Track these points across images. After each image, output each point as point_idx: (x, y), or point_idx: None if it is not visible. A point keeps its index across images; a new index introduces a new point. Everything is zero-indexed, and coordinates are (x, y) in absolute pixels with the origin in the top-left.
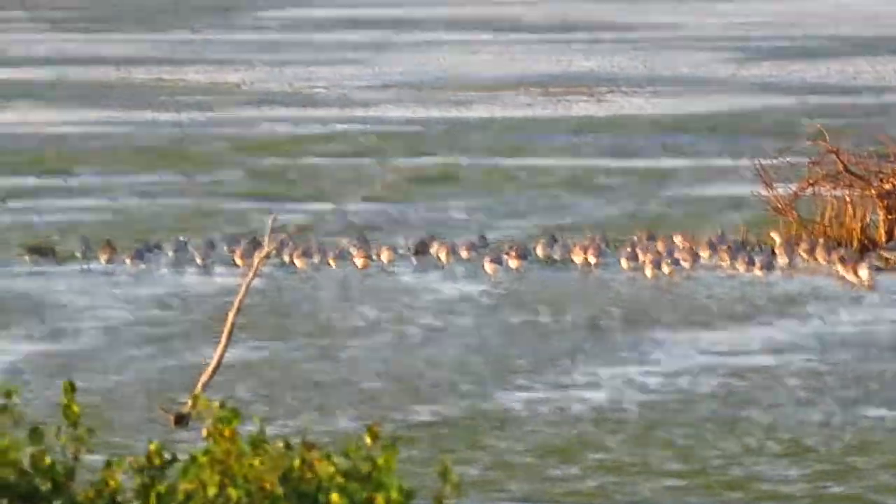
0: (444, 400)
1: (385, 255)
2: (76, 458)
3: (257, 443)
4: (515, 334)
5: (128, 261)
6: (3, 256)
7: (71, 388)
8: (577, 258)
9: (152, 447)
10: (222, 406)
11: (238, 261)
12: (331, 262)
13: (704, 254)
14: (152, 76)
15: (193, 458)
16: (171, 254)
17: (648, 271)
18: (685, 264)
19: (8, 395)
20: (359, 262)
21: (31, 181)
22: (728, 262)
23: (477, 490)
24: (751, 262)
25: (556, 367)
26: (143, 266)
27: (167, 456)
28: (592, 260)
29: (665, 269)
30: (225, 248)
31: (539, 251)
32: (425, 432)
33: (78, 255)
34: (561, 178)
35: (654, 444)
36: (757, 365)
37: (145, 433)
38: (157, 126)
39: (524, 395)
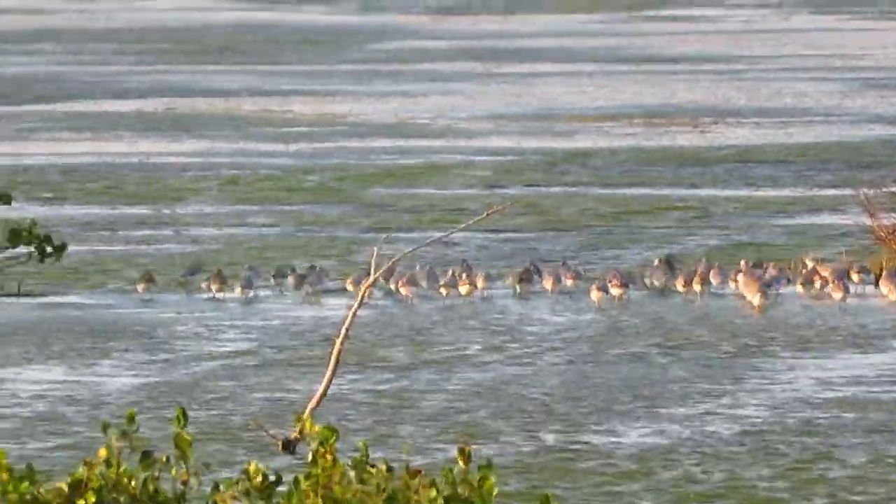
0: (548, 429)
1: (489, 284)
2: (185, 484)
3: (360, 467)
4: (621, 363)
5: (237, 289)
6: (114, 285)
7: (183, 416)
8: (682, 286)
9: (252, 468)
10: (324, 429)
11: (349, 286)
12: (439, 290)
13: (809, 282)
14: (259, 108)
15: (297, 482)
16: (278, 282)
17: (755, 300)
18: (792, 292)
19: (130, 419)
20: (463, 290)
21: (141, 210)
22: (833, 291)
23: None
24: (854, 290)
25: (661, 397)
26: (251, 294)
27: (271, 478)
28: (697, 288)
29: (770, 296)
30: (329, 277)
31: (646, 279)
32: (527, 462)
33: (187, 283)
34: (664, 208)
35: (754, 476)
36: (875, 394)
37: (253, 459)
38: (265, 157)
39: (629, 425)
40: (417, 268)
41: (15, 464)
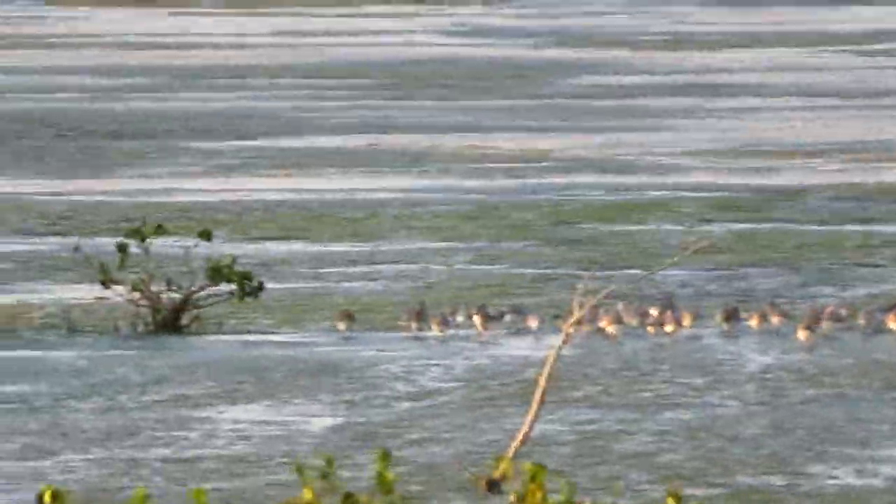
0: (754, 471)
1: (696, 322)
2: None
3: None
4: (831, 405)
5: (435, 327)
6: (314, 323)
7: (385, 457)
8: (893, 325)
9: None
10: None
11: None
12: (645, 327)
13: None
14: (462, 143)
15: None
16: (479, 320)
17: None
18: None
19: (329, 463)
20: (669, 328)
21: (341, 248)
22: None
23: None
24: None
25: (873, 439)
26: (451, 332)
27: None
28: None
29: None
30: (532, 315)
31: (857, 318)
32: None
33: (389, 321)
34: (877, 246)
35: None
36: None
37: (458, 501)
38: (468, 193)
39: (838, 468)
40: (621, 305)
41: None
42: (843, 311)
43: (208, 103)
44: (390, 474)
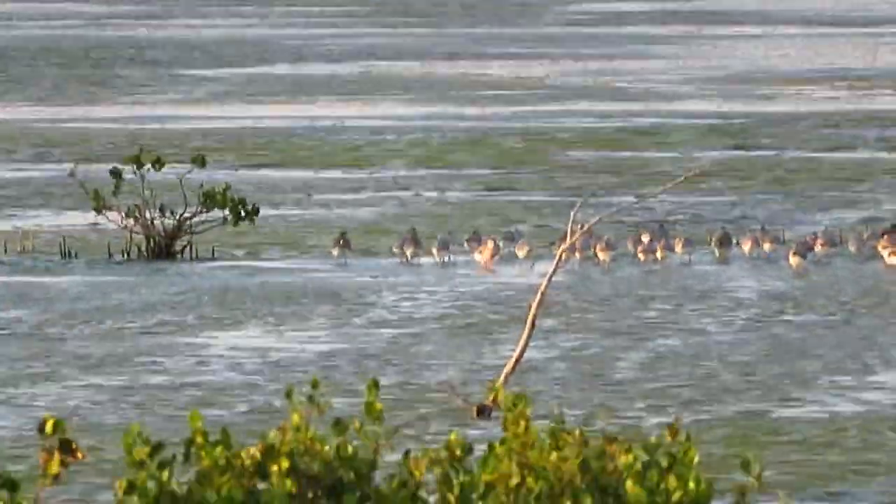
0: (742, 398)
1: (687, 248)
2: (377, 451)
3: (555, 434)
4: (821, 331)
5: (433, 253)
6: (308, 249)
7: (374, 386)
8: (885, 252)
9: (452, 438)
10: (514, 396)
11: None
12: (637, 254)
13: None
14: (456, 71)
15: (491, 449)
16: (472, 246)
17: None
18: None
19: (314, 385)
20: (659, 254)
21: (335, 174)
22: None
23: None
24: None
25: (854, 366)
26: (447, 259)
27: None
28: None
29: None
30: (524, 240)
31: (848, 244)
32: (722, 430)
33: (383, 247)
34: (866, 172)
35: None
36: None
37: (446, 425)
38: (461, 120)
39: (831, 393)
40: (613, 233)
41: (209, 428)
42: (835, 237)
43: (202, 31)
44: (379, 403)
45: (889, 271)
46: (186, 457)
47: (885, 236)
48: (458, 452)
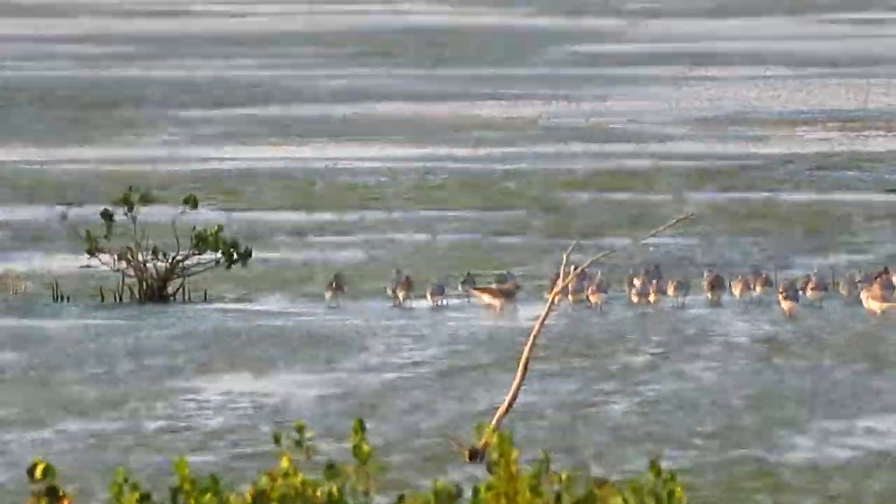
0: (733, 440)
1: (679, 291)
2: (367, 494)
3: (540, 475)
4: (813, 376)
5: (420, 297)
6: (301, 292)
7: (360, 428)
8: (864, 297)
9: (439, 485)
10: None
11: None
12: (630, 297)
13: None
14: (448, 112)
15: (476, 492)
16: (466, 290)
17: None
18: None
19: (299, 430)
20: (652, 297)
21: (327, 217)
22: None
23: None
24: None
25: (845, 411)
26: (441, 302)
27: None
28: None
29: None
30: (519, 283)
31: (840, 288)
32: (713, 475)
33: (376, 290)
34: (859, 214)
35: None
36: None
37: (439, 469)
38: (453, 161)
39: (820, 442)
40: (605, 275)
41: (199, 473)
42: (826, 280)
43: (194, 72)
44: (366, 445)
45: (882, 316)
46: None
47: (878, 279)
48: (446, 498)
